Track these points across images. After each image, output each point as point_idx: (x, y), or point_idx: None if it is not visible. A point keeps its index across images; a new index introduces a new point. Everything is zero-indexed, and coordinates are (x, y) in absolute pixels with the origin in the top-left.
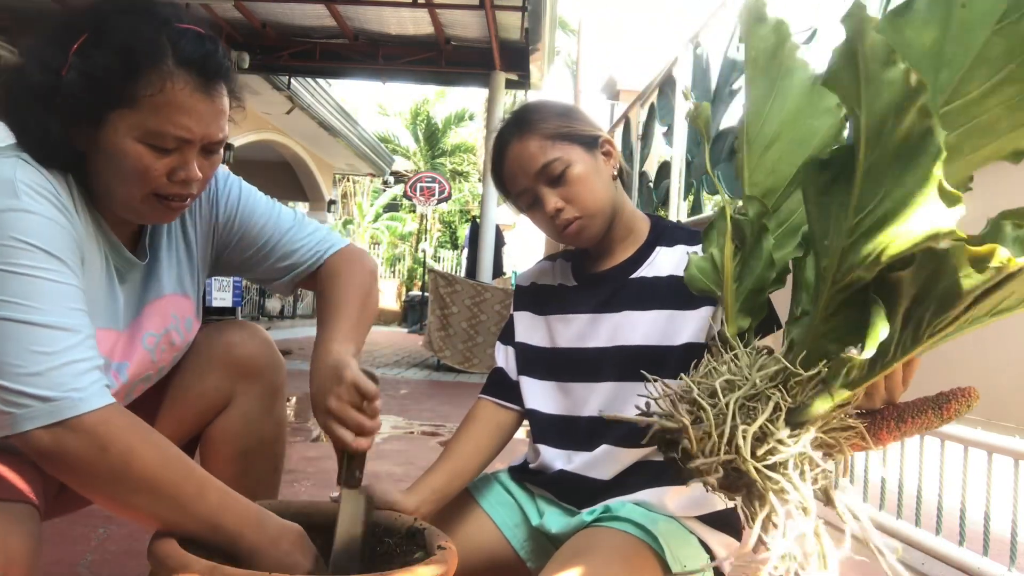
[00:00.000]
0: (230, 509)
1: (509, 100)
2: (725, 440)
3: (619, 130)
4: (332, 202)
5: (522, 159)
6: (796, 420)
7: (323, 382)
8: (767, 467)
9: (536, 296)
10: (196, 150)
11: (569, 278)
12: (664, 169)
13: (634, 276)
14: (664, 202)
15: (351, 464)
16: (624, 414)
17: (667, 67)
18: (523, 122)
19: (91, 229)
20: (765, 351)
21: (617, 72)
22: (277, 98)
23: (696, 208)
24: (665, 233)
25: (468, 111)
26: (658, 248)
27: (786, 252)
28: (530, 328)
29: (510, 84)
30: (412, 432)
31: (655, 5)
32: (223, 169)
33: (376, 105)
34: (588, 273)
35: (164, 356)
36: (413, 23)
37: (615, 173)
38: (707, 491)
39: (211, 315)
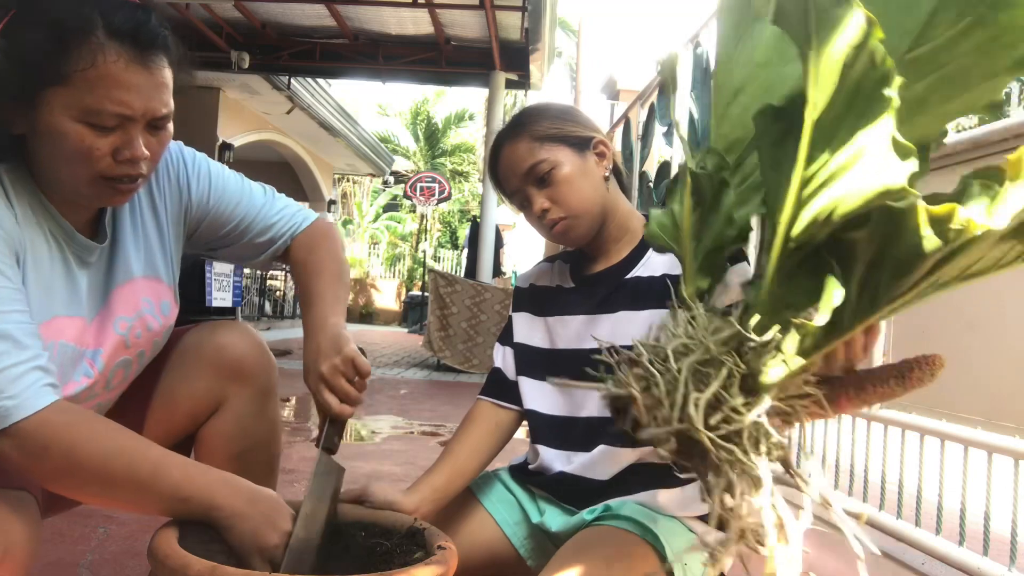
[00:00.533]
0: (194, 480)
1: (509, 100)
2: (677, 408)
3: (619, 130)
4: (332, 202)
5: (512, 160)
6: (751, 387)
7: (321, 350)
8: (722, 437)
9: (534, 297)
10: (140, 127)
11: (567, 279)
12: (664, 169)
13: (629, 276)
14: (664, 202)
15: (331, 429)
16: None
17: None
18: (517, 124)
19: (34, 217)
20: (722, 314)
21: (617, 72)
22: (277, 98)
23: None
24: None
25: (468, 111)
26: (641, 257)
27: (749, 209)
28: (529, 329)
29: (510, 84)
30: (412, 432)
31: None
32: (189, 150)
33: (376, 105)
34: (585, 274)
35: (141, 341)
36: (413, 23)
37: (606, 175)
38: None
39: (211, 315)
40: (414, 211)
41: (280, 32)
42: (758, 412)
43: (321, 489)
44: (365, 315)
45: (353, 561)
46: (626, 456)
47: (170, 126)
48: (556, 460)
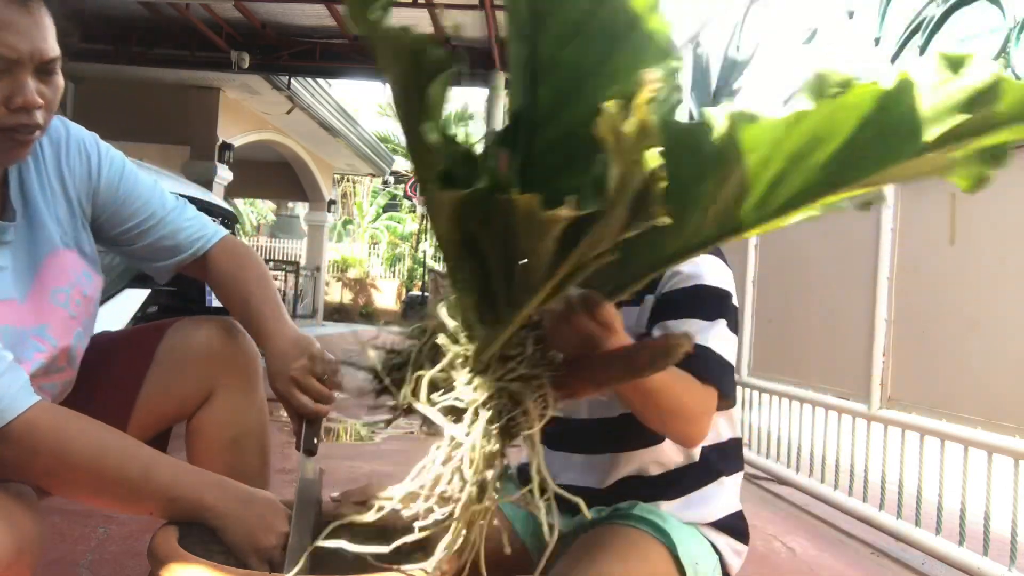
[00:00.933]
0: (184, 480)
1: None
2: (409, 386)
3: None
4: (332, 202)
5: None
6: (474, 368)
7: (287, 352)
8: (445, 412)
9: None
10: (28, 71)
11: None
12: None
13: None
14: None
15: (309, 431)
16: (610, 415)
17: None
18: None
19: None
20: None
21: None
22: (277, 98)
23: None
24: None
25: (468, 111)
26: None
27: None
28: None
29: (510, 84)
30: (412, 432)
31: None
32: (105, 143)
33: (376, 105)
34: None
35: (84, 309)
36: (413, 23)
37: None
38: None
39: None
40: (414, 211)
41: (280, 32)
42: (472, 390)
43: (309, 493)
44: (365, 315)
45: (353, 562)
46: (623, 466)
47: (60, 77)
48: (553, 462)
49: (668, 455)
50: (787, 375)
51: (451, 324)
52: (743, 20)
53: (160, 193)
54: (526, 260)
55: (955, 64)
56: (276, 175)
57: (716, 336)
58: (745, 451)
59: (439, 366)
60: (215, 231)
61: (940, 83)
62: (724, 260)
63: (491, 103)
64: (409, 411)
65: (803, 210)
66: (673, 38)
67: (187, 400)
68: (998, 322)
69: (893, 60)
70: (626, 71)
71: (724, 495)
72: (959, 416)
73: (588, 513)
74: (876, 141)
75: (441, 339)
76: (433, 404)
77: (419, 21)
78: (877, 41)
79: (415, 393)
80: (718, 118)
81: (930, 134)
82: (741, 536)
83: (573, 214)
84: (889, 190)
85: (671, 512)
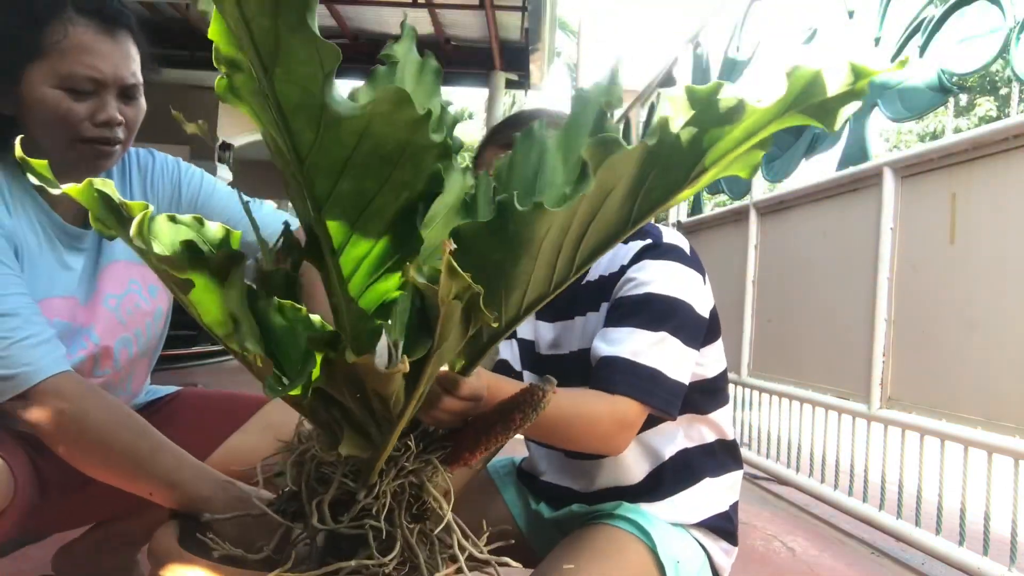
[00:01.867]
0: (187, 469)
1: (509, 100)
2: (314, 510)
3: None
4: None
5: (486, 165)
6: (367, 482)
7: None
8: (358, 523)
9: None
10: (112, 93)
11: None
12: None
13: (584, 281)
14: None
15: None
16: None
17: (667, 67)
18: (494, 131)
19: (23, 210)
20: None
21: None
22: None
23: (696, 208)
24: None
25: (468, 111)
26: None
27: None
28: (525, 326)
29: (510, 84)
30: None
31: (655, 5)
32: (187, 163)
33: None
34: None
35: (134, 320)
36: (413, 23)
37: None
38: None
39: None
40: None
41: None
42: (374, 495)
43: None
44: None
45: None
46: (602, 468)
47: (142, 101)
48: (542, 459)
49: (637, 457)
50: (787, 375)
51: (329, 456)
52: (743, 20)
53: (236, 199)
54: (382, 398)
55: (701, 96)
56: (276, 175)
57: (651, 347)
58: (745, 451)
59: (332, 488)
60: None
61: (697, 114)
62: (691, 263)
63: (491, 103)
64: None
65: (611, 245)
66: (453, 138)
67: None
68: (998, 322)
69: (893, 60)
70: (410, 184)
71: (708, 496)
72: (959, 416)
73: (573, 507)
74: (659, 176)
75: (325, 468)
76: (340, 523)
77: (419, 21)
78: (877, 41)
79: (322, 520)
80: (516, 208)
81: (700, 156)
82: (728, 536)
83: (405, 369)
84: (889, 190)
85: (655, 513)
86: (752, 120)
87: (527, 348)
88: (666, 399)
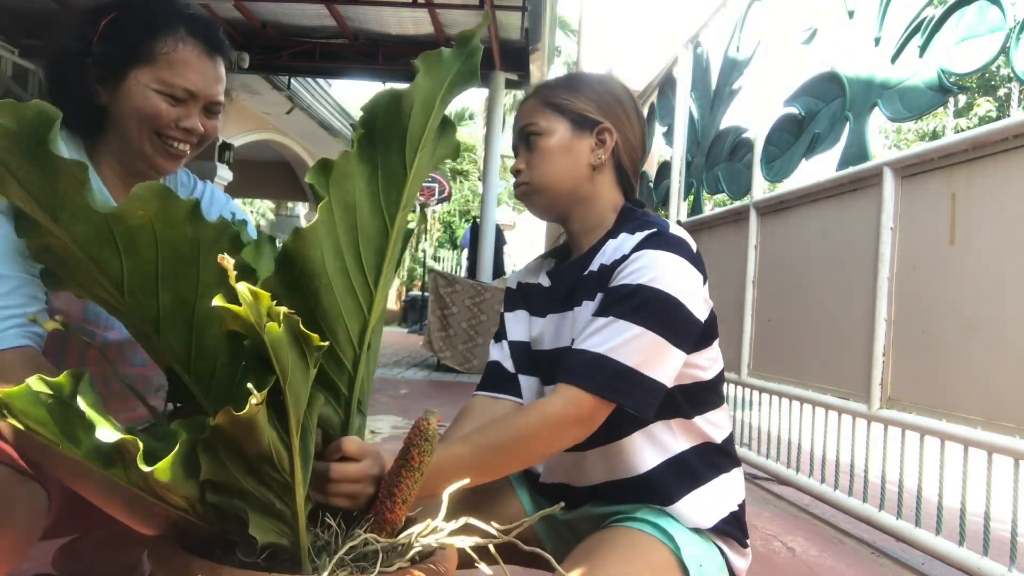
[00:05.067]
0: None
1: (509, 100)
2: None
3: None
4: None
5: (520, 113)
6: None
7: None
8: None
9: (523, 295)
10: (200, 106)
11: (544, 277)
12: (664, 169)
13: (586, 272)
14: (664, 202)
15: None
16: None
17: (667, 67)
18: (545, 85)
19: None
20: None
21: (617, 72)
22: (277, 98)
23: (696, 208)
24: (623, 224)
25: (468, 111)
26: (609, 241)
27: None
28: (518, 327)
29: (510, 84)
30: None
31: (655, 5)
32: (222, 194)
33: None
34: (558, 269)
35: None
36: (413, 23)
37: (596, 163)
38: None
39: None
40: (414, 211)
41: (280, 32)
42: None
43: None
44: None
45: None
46: (596, 466)
47: (220, 119)
48: (547, 461)
49: (637, 457)
50: (787, 375)
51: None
52: (743, 20)
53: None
54: (264, 456)
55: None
56: (276, 175)
57: (628, 342)
58: (745, 451)
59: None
60: None
61: (382, 116)
62: (693, 261)
63: (491, 103)
64: None
65: (394, 263)
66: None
67: None
68: (998, 322)
69: (893, 60)
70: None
71: (716, 498)
72: (959, 416)
73: (588, 506)
74: (385, 179)
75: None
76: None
77: (419, 21)
78: (877, 41)
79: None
80: (286, 244)
81: (402, 149)
82: (741, 537)
83: (262, 399)
84: (889, 190)
85: (673, 513)
86: (419, 102)
87: (521, 350)
88: (638, 398)
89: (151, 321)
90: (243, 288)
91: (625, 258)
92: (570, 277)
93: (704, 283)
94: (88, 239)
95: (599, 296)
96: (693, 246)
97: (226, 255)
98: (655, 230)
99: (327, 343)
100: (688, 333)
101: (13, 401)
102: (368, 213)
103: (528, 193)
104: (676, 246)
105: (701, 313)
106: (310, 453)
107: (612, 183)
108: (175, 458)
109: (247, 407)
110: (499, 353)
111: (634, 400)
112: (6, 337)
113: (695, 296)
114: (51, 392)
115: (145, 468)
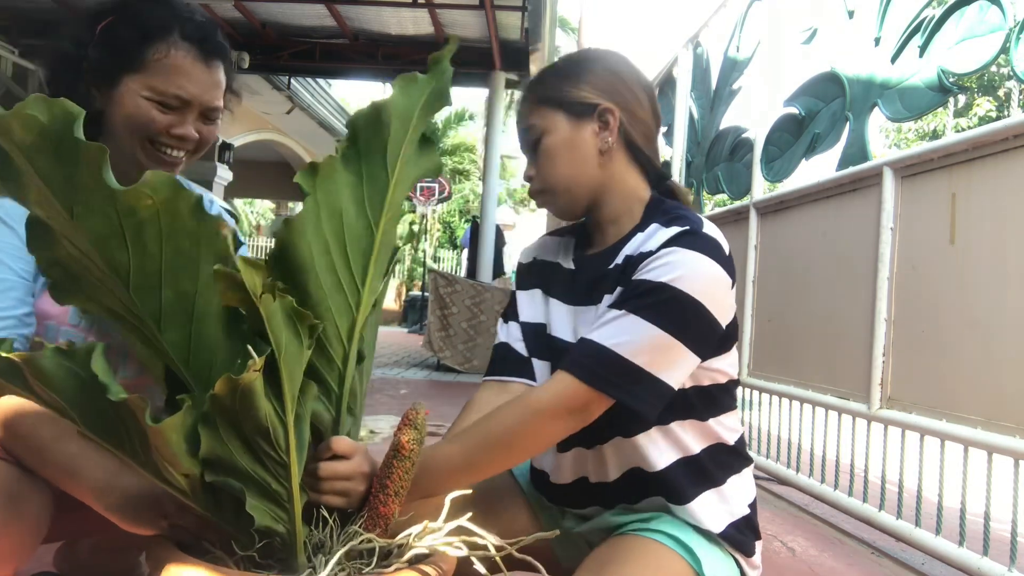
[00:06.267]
0: (89, 457)
1: (509, 100)
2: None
3: None
4: None
5: (517, 117)
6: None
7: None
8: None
9: (538, 272)
10: (195, 113)
11: (568, 258)
12: (664, 169)
13: (611, 266)
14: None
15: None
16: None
17: (667, 67)
18: (534, 80)
19: None
20: None
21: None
22: (277, 98)
23: (696, 208)
24: (653, 216)
25: (468, 111)
26: (637, 235)
27: None
28: (532, 307)
29: (510, 84)
30: None
31: (655, 5)
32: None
33: None
34: (582, 256)
35: None
36: (413, 23)
37: (604, 147)
38: None
39: None
40: (414, 211)
41: (280, 32)
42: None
43: None
44: None
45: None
46: (607, 463)
47: (217, 125)
48: (547, 454)
49: (647, 457)
50: (787, 375)
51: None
52: (743, 20)
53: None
54: (261, 431)
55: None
56: (276, 175)
57: (635, 340)
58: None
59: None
60: None
61: (363, 129)
62: (724, 264)
63: (491, 103)
64: None
65: (385, 265)
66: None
67: None
68: (998, 322)
69: (893, 60)
70: (209, 262)
71: (728, 500)
72: (959, 416)
73: (607, 515)
74: (369, 185)
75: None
76: None
77: (419, 21)
78: (877, 41)
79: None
80: (278, 233)
81: (383, 157)
82: (751, 546)
83: (260, 365)
84: (889, 190)
85: (681, 517)
86: (396, 117)
87: (534, 331)
88: (639, 396)
89: (153, 316)
90: (240, 260)
91: (651, 252)
92: (594, 269)
93: (732, 287)
94: (100, 233)
95: (619, 289)
96: (726, 248)
97: (224, 223)
98: (689, 227)
99: (320, 323)
100: (706, 338)
101: (34, 362)
102: (354, 216)
103: (545, 199)
104: (709, 248)
105: (724, 318)
106: (305, 439)
107: (627, 164)
108: (179, 419)
109: (246, 372)
110: (507, 334)
111: (634, 398)
112: None
113: (720, 302)
114: (66, 359)
115: (151, 423)
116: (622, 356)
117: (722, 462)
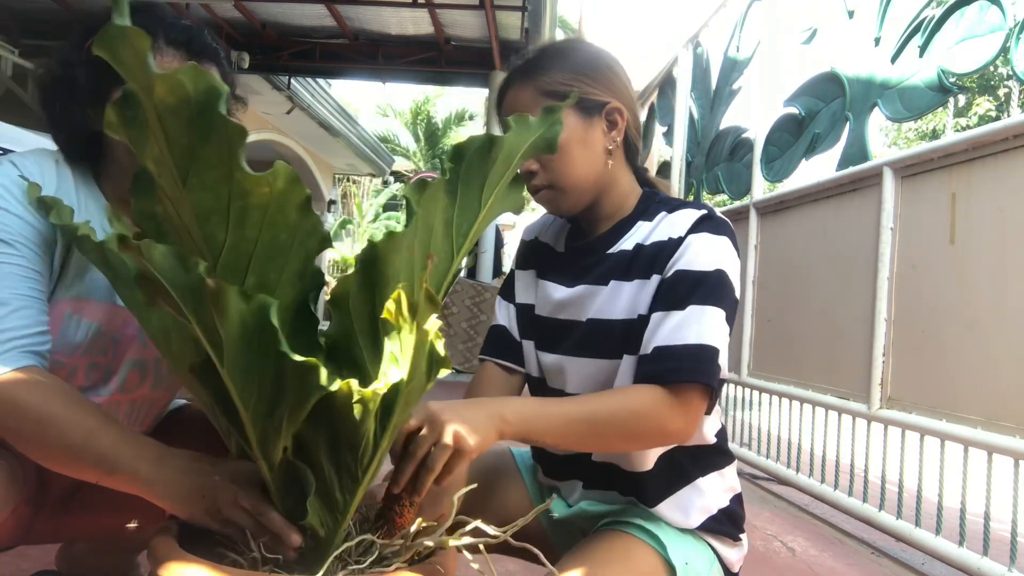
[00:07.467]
0: (123, 452)
1: None
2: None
3: None
4: (332, 202)
5: (514, 107)
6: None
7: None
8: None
9: (535, 253)
10: None
11: (560, 242)
12: (664, 169)
13: (611, 251)
14: None
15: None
16: (598, 389)
17: (667, 67)
18: (530, 66)
19: (88, 212)
20: None
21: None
22: (277, 98)
23: None
24: (651, 208)
25: (468, 111)
26: (639, 223)
27: None
28: (526, 288)
29: None
30: None
31: (655, 5)
32: None
33: (376, 105)
34: (574, 242)
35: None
36: (413, 23)
37: (611, 147)
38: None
39: None
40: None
41: (280, 32)
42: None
43: None
44: None
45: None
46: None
47: None
48: (544, 457)
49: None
50: (787, 375)
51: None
52: (743, 20)
53: None
54: (353, 444)
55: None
56: None
57: (711, 326)
58: (745, 451)
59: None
60: None
61: (470, 156)
62: (735, 243)
63: (491, 103)
64: None
65: (447, 280)
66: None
67: None
68: (998, 322)
69: (893, 60)
70: (302, 273)
71: (707, 495)
72: (959, 416)
73: (583, 504)
74: (461, 213)
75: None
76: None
77: (419, 21)
78: (877, 41)
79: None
80: (374, 243)
81: (480, 190)
82: (729, 534)
83: (385, 387)
84: (889, 190)
85: (667, 513)
86: (504, 152)
87: (524, 312)
88: (712, 376)
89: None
90: (424, 292)
91: (680, 238)
92: (590, 254)
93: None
94: (206, 206)
95: (645, 280)
96: (733, 232)
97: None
98: (706, 212)
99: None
100: (735, 315)
101: (154, 254)
102: (441, 236)
103: (551, 198)
104: (726, 229)
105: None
106: (380, 465)
107: (624, 163)
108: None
109: (385, 385)
110: (505, 316)
111: (711, 375)
112: (7, 359)
113: (736, 275)
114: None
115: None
116: (710, 346)
117: (701, 461)
